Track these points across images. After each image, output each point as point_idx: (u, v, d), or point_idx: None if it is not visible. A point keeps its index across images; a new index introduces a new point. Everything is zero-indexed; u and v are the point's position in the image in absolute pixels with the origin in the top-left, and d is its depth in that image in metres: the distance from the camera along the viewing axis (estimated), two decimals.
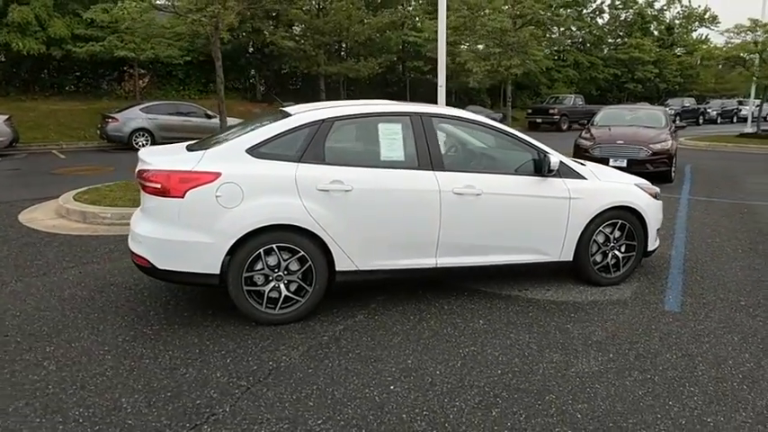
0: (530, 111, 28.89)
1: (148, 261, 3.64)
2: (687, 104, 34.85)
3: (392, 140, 4.06)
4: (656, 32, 40.18)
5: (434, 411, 2.79)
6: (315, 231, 3.74)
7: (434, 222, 4.02)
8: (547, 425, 2.68)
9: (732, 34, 18.90)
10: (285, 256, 3.74)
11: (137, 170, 3.84)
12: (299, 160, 3.79)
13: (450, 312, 4.05)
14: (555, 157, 4.26)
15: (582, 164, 4.74)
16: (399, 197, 3.95)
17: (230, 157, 3.71)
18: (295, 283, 3.81)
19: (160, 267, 3.63)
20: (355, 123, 4.11)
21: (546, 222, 4.35)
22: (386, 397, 2.92)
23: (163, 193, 3.58)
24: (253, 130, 3.94)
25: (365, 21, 22.33)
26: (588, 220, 4.42)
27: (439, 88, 11.54)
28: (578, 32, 34.99)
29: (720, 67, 36.23)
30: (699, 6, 44.98)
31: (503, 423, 2.69)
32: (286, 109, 4.19)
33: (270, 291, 3.76)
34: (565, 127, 27.30)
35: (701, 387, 3.04)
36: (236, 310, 3.84)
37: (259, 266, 3.71)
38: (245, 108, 22.85)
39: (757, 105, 22.20)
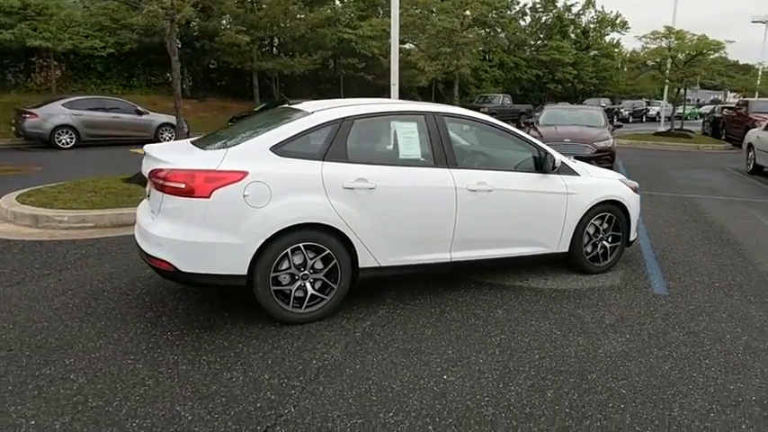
0: None
1: (171, 264, 3.52)
2: (603, 104, 37.48)
3: (409, 139, 4.19)
4: (573, 36, 42.85)
5: (495, 396, 2.96)
6: (341, 229, 3.78)
7: (450, 218, 4.19)
8: (600, 401, 2.93)
9: (648, 40, 20.62)
10: (311, 255, 3.76)
11: (150, 169, 3.70)
12: (324, 158, 3.82)
13: (467, 304, 4.24)
14: (558, 156, 4.57)
15: (573, 161, 5.10)
16: (419, 194, 4.08)
17: (255, 156, 3.67)
18: (320, 281, 3.84)
19: (184, 270, 3.53)
20: (374, 122, 4.18)
21: (547, 216, 4.65)
22: (444, 386, 3.05)
23: (187, 193, 3.47)
24: (271, 127, 3.90)
25: (300, 16, 22.12)
26: (582, 214, 4.78)
27: (392, 86, 11.70)
28: (503, 34, 36.65)
29: (639, 69, 39.54)
30: (611, 12, 48.34)
31: (561, 402, 2.91)
32: (302, 107, 4.18)
33: (296, 290, 3.76)
34: None
35: (713, 360, 3.43)
36: (251, 312, 3.83)
37: (285, 266, 3.70)
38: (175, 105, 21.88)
39: (668, 107, 24.36)
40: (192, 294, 4.30)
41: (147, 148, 4.09)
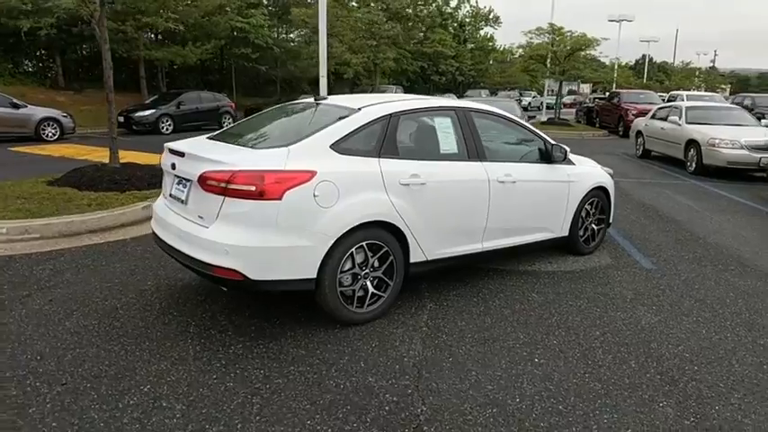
0: None
1: (240, 273, 3.29)
2: (484, 96, 40.06)
3: (446, 134, 4.29)
4: (451, 29, 45.02)
5: (591, 372, 3.21)
6: (398, 225, 3.80)
7: (484, 209, 4.38)
8: (677, 365, 3.32)
9: (533, 35, 22.42)
10: (370, 253, 3.74)
11: (203, 172, 3.40)
12: (379, 155, 3.80)
13: (501, 291, 4.46)
14: (566, 147, 4.96)
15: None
16: (461, 188, 4.21)
17: (317, 154, 3.55)
18: (377, 278, 3.83)
19: (255, 278, 3.32)
20: (416, 118, 4.21)
21: (554, 203, 5.03)
22: (542, 369, 3.24)
23: (257, 195, 3.27)
24: (321, 124, 3.78)
25: (191, 1, 20.80)
26: (580, 200, 5.23)
27: (321, 78, 11.74)
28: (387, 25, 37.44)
29: (509, 62, 42.70)
30: (485, 7, 51.41)
31: (648, 370, 3.25)
32: (342, 103, 4.11)
33: (358, 289, 3.72)
34: None
35: (734, 320, 4.01)
36: (296, 317, 3.76)
37: (348, 266, 3.65)
38: (48, 97, 19.51)
39: (537, 97, 26.66)
40: (219, 302, 4.06)
41: (177, 146, 3.76)
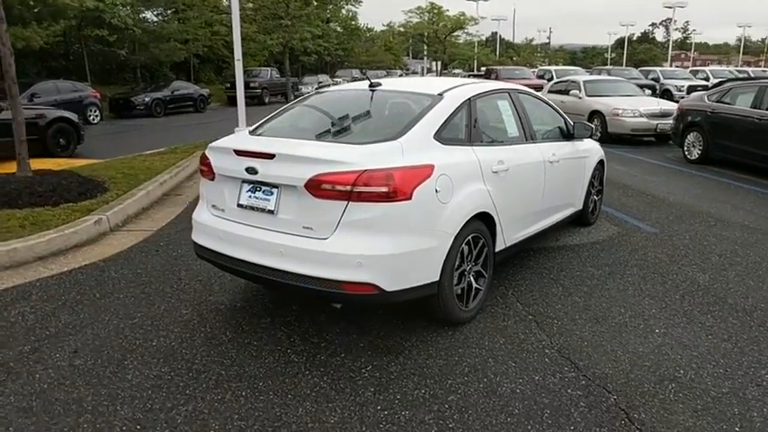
0: (228, 85, 28.41)
1: (376, 286, 2.96)
2: (356, 75, 40.22)
3: (509, 116, 4.24)
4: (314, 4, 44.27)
5: (712, 335, 3.44)
6: (492, 215, 3.70)
7: (541, 190, 4.43)
8: (762, 313, 3.70)
9: (414, 14, 22.94)
10: (473, 246, 3.60)
11: (315, 175, 2.96)
12: (471, 143, 3.64)
13: (557, 269, 4.58)
14: (591, 125, 5.17)
15: None
16: (529, 171, 4.21)
17: (426, 147, 3.29)
18: (476, 272, 3.70)
19: (390, 290, 3.01)
20: (486, 101, 4.06)
21: (578, 179, 5.26)
22: (688, 335, 3.41)
23: (388, 197, 2.95)
24: (409, 112, 3.51)
25: None
26: (591, 173, 5.52)
27: (236, 62, 10.97)
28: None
29: (374, 41, 43.26)
30: None
31: (750, 320, 3.57)
32: (410, 88, 3.85)
33: (465, 286, 3.57)
34: (267, 100, 28.16)
35: (746, 267, 4.57)
36: (354, 320, 3.52)
37: (458, 263, 3.47)
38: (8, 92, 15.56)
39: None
40: (287, 316, 3.65)
41: (258, 147, 3.25)
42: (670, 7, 38.85)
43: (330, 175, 2.95)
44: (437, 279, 3.24)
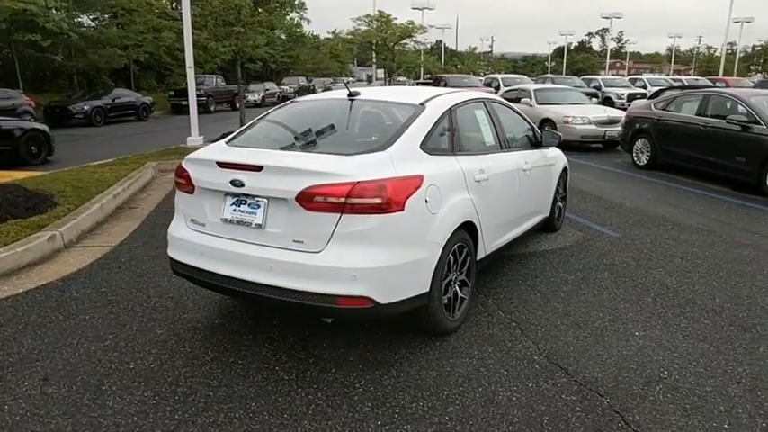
0: (172, 93, 27.67)
1: (370, 299, 2.94)
2: (302, 83, 40.02)
3: (485, 126, 4.31)
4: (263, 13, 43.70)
5: (700, 330, 3.61)
6: (475, 224, 3.75)
7: (517, 198, 4.53)
8: (730, 312, 3.90)
9: (363, 22, 23.05)
10: (458, 255, 3.63)
11: (306, 187, 2.91)
12: (454, 152, 3.68)
13: (531, 276, 4.69)
14: (559, 133, 5.32)
15: None
16: (507, 179, 4.30)
17: (413, 157, 3.30)
18: (460, 281, 3.73)
19: (384, 302, 2.99)
20: (465, 111, 4.10)
21: (547, 186, 5.41)
22: (666, 337, 3.55)
23: (381, 208, 2.94)
24: (393, 123, 3.51)
25: None
26: (557, 180, 5.70)
27: (188, 69, 10.74)
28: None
29: (319, 49, 43.08)
30: None
31: (720, 319, 3.77)
32: (391, 98, 3.85)
33: (451, 296, 3.59)
34: (213, 108, 27.54)
35: (708, 269, 4.82)
36: (383, 337, 3.52)
37: (444, 272, 3.49)
38: None
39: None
40: (268, 332, 3.58)
41: (243, 158, 3.16)
42: (607, 18, 40.82)
43: (322, 187, 2.90)
44: (428, 290, 3.25)
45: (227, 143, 3.71)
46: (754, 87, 19.43)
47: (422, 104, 3.70)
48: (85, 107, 19.72)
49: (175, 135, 15.72)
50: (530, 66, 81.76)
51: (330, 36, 58.62)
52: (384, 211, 2.95)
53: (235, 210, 3.19)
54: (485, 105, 4.42)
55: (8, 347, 3.47)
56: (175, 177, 3.56)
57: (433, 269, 3.26)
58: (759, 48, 56.06)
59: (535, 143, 5.22)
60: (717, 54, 61.82)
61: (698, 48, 76.66)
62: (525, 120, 5.25)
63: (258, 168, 3.05)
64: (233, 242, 3.18)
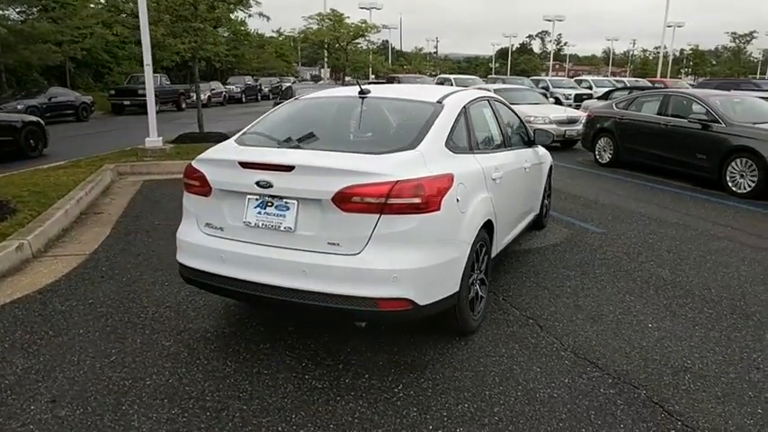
0: (113, 92, 26.47)
1: (411, 301, 2.89)
2: (249, 82, 39.14)
3: (492, 124, 4.34)
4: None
5: (707, 320, 3.77)
6: (493, 222, 3.77)
7: (521, 195, 4.60)
8: (728, 301, 4.10)
9: (315, 20, 22.82)
10: (480, 254, 3.63)
11: (343, 187, 2.82)
12: (471, 151, 3.68)
13: (534, 272, 4.77)
14: (551, 132, 5.44)
15: None
16: (515, 177, 4.35)
17: (441, 156, 3.27)
18: (480, 280, 3.74)
19: (423, 304, 2.95)
20: (475, 108, 4.10)
21: (539, 184, 5.51)
22: (680, 328, 3.68)
23: (418, 208, 2.89)
24: (415, 120, 3.46)
25: None
26: (546, 178, 5.82)
27: (146, 66, 10.25)
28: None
29: (263, 48, 42.32)
30: None
31: (721, 308, 3.95)
32: (405, 95, 3.81)
33: (473, 294, 3.59)
34: (157, 109, 26.49)
35: (695, 261, 5.06)
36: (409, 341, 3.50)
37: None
38: None
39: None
40: (286, 338, 3.47)
41: (271, 158, 3.03)
42: (550, 20, 42.29)
43: (361, 187, 2.83)
44: (458, 290, 3.23)
45: (237, 142, 3.55)
46: (692, 88, 20.65)
47: (439, 102, 3.68)
48: (18, 106, 18.46)
49: (123, 136, 15.07)
50: (473, 67, 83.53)
51: (275, 35, 57.91)
52: (422, 211, 2.90)
53: (260, 212, 3.06)
54: (489, 103, 4.45)
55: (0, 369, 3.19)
56: (186, 179, 3.38)
57: (463, 268, 3.25)
58: (689, 51, 59.70)
59: (528, 141, 5.31)
60: (651, 57, 65.33)
61: (633, 51, 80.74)
62: (519, 118, 5.33)
63: (289, 168, 2.94)
64: (259, 247, 3.04)
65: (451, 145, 3.43)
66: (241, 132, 3.74)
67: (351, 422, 2.70)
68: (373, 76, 38.70)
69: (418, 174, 2.96)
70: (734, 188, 7.85)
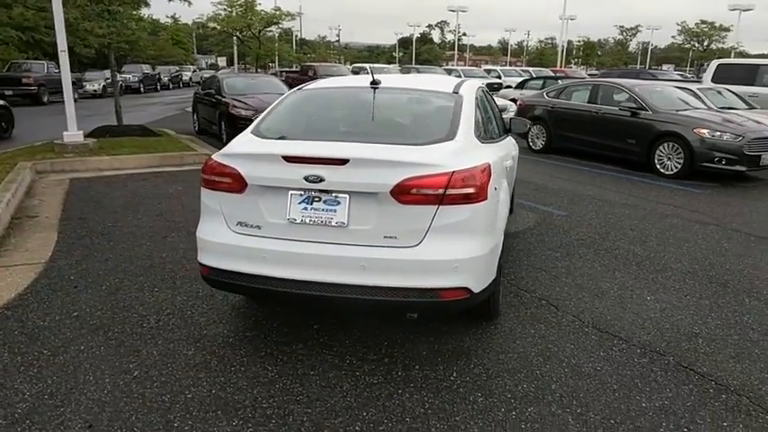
0: None
1: (468, 289, 2.95)
2: (147, 71, 36.74)
3: (489, 112, 4.47)
4: None
5: (694, 292, 4.16)
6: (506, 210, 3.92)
7: (514, 181, 4.78)
8: (705, 272, 4.57)
9: (225, 7, 21.88)
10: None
11: (403, 179, 2.81)
12: (487, 140, 3.78)
13: (518, 256, 5.01)
14: (527, 120, 5.68)
15: None
16: (514, 164, 4.52)
17: (474, 146, 3.34)
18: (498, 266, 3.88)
19: (477, 291, 3.02)
20: (481, 98, 4.18)
21: (514, 172, 5.74)
22: (675, 300, 4.02)
23: (470, 198, 2.95)
24: (444, 113, 3.50)
25: None
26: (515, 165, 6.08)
27: (61, 53, 9.39)
28: None
29: (158, 35, 39.74)
30: None
31: (702, 279, 4.39)
32: (419, 86, 3.84)
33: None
34: (46, 99, 24.24)
35: (659, 237, 5.56)
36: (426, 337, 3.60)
37: None
38: None
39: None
40: (314, 337, 3.44)
41: (321, 151, 2.94)
42: (454, 11, 43.63)
43: (420, 178, 2.83)
44: (495, 276, 3.34)
45: (256, 135, 3.39)
46: (590, 77, 22.30)
47: (455, 92, 3.75)
48: None
49: (28, 130, 13.68)
50: (374, 56, 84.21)
51: (170, 21, 54.74)
52: (473, 201, 2.96)
53: (306, 208, 2.96)
54: (484, 92, 4.58)
55: (4, 398, 2.85)
56: (210, 176, 3.18)
57: (499, 254, 3.36)
58: (581, 43, 64.32)
59: (506, 129, 5.52)
60: (546, 47, 69.50)
61: (527, 41, 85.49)
62: (497, 106, 5.52)
63: (343, 162, 2.87)
64: (308, 244, 2.95)
65: (479, 135, 3.52)
66: (254, 125, 3.58)
67: (425, 413, 2.73)
68: (275, 65, 37.89)
69: (468, 164, 3.01)
70: (662, 170, 8.65)
